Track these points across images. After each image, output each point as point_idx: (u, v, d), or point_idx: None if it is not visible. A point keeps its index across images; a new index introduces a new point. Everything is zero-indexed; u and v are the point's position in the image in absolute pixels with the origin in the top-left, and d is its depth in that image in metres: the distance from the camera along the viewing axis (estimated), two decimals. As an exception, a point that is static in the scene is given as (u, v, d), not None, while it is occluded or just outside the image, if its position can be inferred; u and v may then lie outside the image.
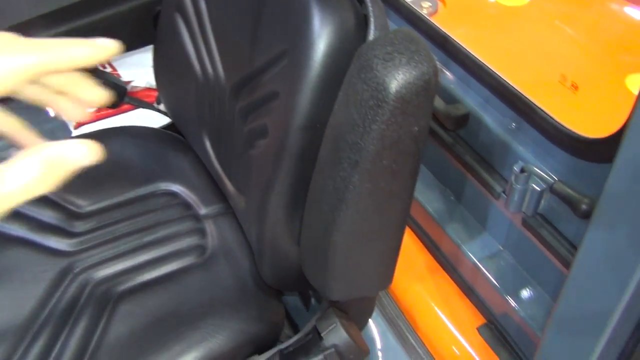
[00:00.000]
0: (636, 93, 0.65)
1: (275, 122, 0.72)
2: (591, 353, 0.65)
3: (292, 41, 0.67)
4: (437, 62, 1.01)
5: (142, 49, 1.16)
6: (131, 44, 1.15)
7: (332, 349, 0.75)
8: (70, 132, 1.36)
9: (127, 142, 1.10)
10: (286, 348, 0.79)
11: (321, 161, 0.63)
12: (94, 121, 1.30)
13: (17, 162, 0.38)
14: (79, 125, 1.29)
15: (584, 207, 0.75)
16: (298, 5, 0.66)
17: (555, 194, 0.78)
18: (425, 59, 0.50)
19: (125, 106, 1.25)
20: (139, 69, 1.31)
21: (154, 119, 1.19)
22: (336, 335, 0.76)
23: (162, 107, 1.17)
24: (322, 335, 0.76)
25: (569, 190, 0.77)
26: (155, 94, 1.33)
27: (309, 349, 0.77)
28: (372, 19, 0.63)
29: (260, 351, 0.82)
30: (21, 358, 0.76)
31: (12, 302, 0.83)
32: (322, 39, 0.63)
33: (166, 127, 1.18)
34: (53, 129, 1.39)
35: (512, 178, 0.83)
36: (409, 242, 1.09)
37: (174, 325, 0.80)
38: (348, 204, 0.59)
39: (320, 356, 0.75)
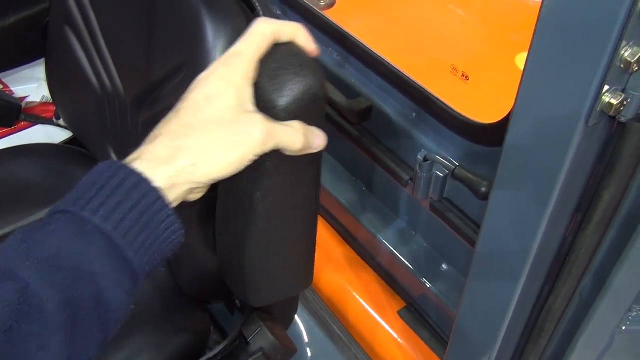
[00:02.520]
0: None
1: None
2: (501, 323, 0.70)
3: (187, 53, 0.67)
4: (337, 57, 1.04)
5: (34, 63, 1.11)
6: (21, 58, 1.10)
7: (260, 353, 0.76)
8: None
9: (28, 162, 1.05)
10: (214, 357, 0.80)
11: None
12: (-10, 142, 1.24)
13: None
14: (-28, 147, 1.22)
15: (483, 189, 0.79)
16: (190, 17, 0.65)
17: (457, 179, 0.83)
18: (310, 72, 0.52)
19: (22, 123, 1.19)
20: (32, 83, 1.24)
21: (54, 134, 1.14)
22: (262, 338, 0.77)
23: (62, 121, 1.13)
24: (248, 340, 0.77)
25: (469, 175, 0.81)
26: (54, 108, 1.27)
27: (237, 355, 0.77)
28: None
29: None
30: None
31: None
32: (217, 49, 0.63)
33: (68, 142, 1.13)
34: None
35: (417, 167, 0.86)
36: (327, 235, 1.11)
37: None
38: (254, 220, 0.60)
39: (248, 361, 0.76)
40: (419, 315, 0.98)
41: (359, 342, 0.98)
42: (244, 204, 0.59)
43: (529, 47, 0.48)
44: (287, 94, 0.50)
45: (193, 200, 0.50)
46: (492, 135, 0.78)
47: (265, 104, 0.50)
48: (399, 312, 0.99)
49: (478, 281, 0.71)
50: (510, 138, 0.55)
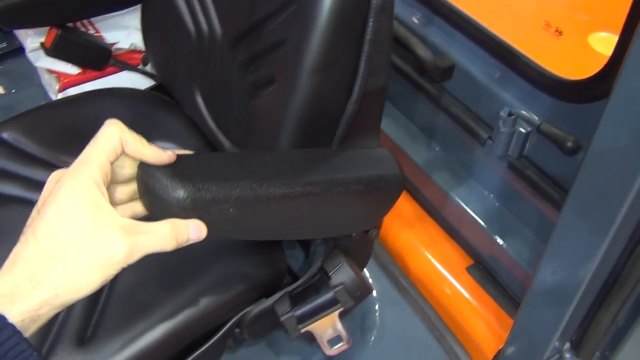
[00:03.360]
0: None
1: (283, 69, 0.74)
2: (580, 284, 0.71)
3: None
4: (421, 17, 1.06)
5: (125, 11, 1.16)
6: (113, 5, 1.14)
7: (342, 286, 0.79)
8: (49, 96, 1.34)
9: (115, 104, 1.10)
10: (294, 289, 0.83)
11: None
12: (78, 84, 1.29)
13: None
14: (63, 87, 1.28)
15: (569, 144, 0.80)
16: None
17: (542, 134, 0.84)
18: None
19: (109, 69, 1.24)
20: (122, 30, 1.30)
21: (139, 82, 1.19)
22: (343, 273, 0.80)
23: (148, 68, 1.18)
24: (329, 274, 0.80)
25: (555, 130, 0.82)
26: (140, 56, 1.32)
27: (319, 288, 0.80)
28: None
29: (266, 296, 0.85)
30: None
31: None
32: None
33: (151, 89, 1.18)
34: (34, 94, 1.37)
35: (500, 122, 0.88)
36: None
37: (185, 271, 0.82)
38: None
39: (331, 293, 0.79)
40: (488, 273, 1.00)
41: (424, 295, 1.00)
42: None
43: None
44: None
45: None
46: (582, 92, 0.79)
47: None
48: (467, 269, 1.01)
49: (563, 239, 0.71)
50: (620, 87, 0.52)
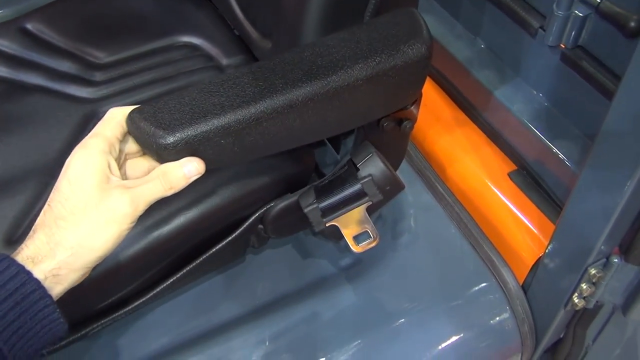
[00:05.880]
0: None
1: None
2: (632, 176, 0.64)
3: None
4: None
5: None
6: None
7: (370, 177, 0.73)
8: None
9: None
10: (320, 182, 0.78)
11: None
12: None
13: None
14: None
15: (632, 24, 0.71)
16: None
17: (601, 14, 0.75)
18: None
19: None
20: None
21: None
22: (373, 164, 0.74)
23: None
24: (357, 165, 0.75)
25: (617, 9, 0.73)
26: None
27: (346, 179, 0.75)
28: None
29: (292, 190, 0.81)
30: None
31: (38, 144, 0.81)
32: None
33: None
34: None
35: (554, 4, 0.79)
36: (434, 95, 1.06)
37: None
38: None
39: (358, 185, 0.73)
40: (532, 179, 0.93)
41: (462, 202, 0.94)
42: None
43: None
44: None
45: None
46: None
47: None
48: (509, 174, 0.94)
49: (615, 129, 0.64)
50: None
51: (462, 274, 0.89)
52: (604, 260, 0.75)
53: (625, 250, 0.74)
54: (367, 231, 0.76)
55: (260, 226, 0.83)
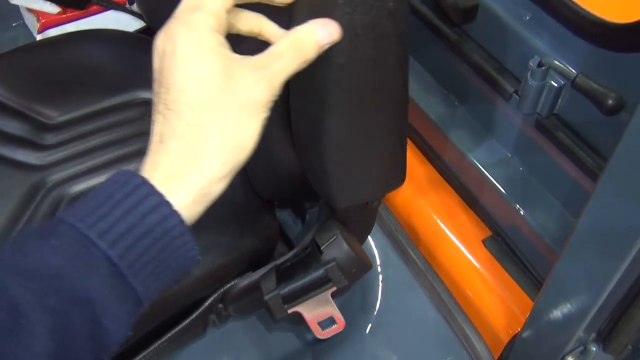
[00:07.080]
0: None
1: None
2: (617, 268, 0.60)
3: None
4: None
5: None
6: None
7: (333, 263, 0.69)
8: (35, 37, 1.24)
9: (98, 47, 0.99)
10: (283, 263, 0.73)
11: None
12: (60, 24, 1.18)
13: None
14: (42, 28, 1.17)
15: (610, 101, 0.67)
16: None
17: (577, 88, 0.71)
18: None
19: (93, 7, 1.13)
20: (106, -36, 1.18)
21: (126, 22, 1.07)
22: (337, 248, 0.70)
23: (135, 7, 1.06)
24: (321, 248, 0.70)
25: (594, 84, 0.69)
26: (127, -6, 1.21)
27: (308, 264, 0.70)
28: None
29: (254, 267, 0.76)
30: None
31: (-22, 220, 0.75)
32: None
33: (141, 32, 1.07)
34: (14, 36, 1.27)
35: (528, 74, 0.75)
36: (408, 153, 1.01)
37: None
38: (331, 105, 0.52)
39: (321, 271, 0.69)
40: (507, 247, 0.89)
41: (436, 269, 0.90)
42: (317, 88, 0.51)
43: None
44: None
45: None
46: (628, 37, 0.66)
47: None
48: (483, 241, 0.90)
49: (598, 215, 0.59)
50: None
51: (433, 348, 0.85)
52: (582, 348, 0.71)
53: (603, 339, 0.70)
54: (332, 316, 0.71)
55: (220, 305, 0.78)
